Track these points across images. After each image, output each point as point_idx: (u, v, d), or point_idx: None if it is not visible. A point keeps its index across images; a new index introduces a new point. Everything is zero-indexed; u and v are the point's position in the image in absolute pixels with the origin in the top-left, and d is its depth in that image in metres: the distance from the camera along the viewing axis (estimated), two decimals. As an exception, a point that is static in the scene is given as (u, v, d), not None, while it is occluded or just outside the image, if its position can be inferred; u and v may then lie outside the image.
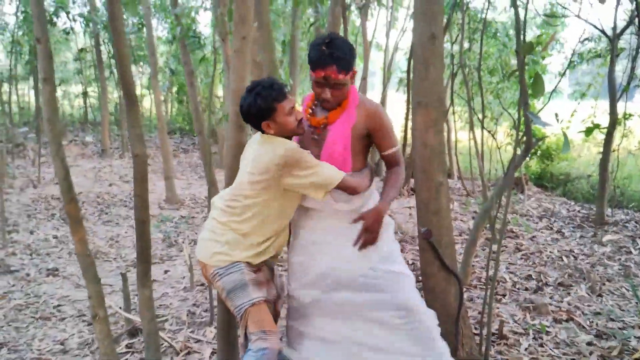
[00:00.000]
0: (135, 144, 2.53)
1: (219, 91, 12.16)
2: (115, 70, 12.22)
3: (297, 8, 6.08)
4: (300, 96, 11.19)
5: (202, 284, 4.37)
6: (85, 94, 14.87)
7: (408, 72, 7.27)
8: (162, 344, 3.22)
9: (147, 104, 16.29)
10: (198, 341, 3.40)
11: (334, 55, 2.17)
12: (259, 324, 2.25)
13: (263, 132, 2.33)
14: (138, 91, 15.61)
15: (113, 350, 2.57)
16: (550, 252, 5.44)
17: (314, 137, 2.41)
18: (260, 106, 2.24)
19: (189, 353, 3.23)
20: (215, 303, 3.58)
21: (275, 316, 2.58)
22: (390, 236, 2.53)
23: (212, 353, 3.21)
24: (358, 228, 2.40)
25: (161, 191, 8.06)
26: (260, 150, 2.28)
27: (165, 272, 4.74)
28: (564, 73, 3.59)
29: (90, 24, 9.46)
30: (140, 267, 2.69)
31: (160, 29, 14.10)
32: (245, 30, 2.54)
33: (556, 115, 2.72)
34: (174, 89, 15.08)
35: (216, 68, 4.18)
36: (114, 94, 15.08)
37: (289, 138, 2.36)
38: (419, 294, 2.49)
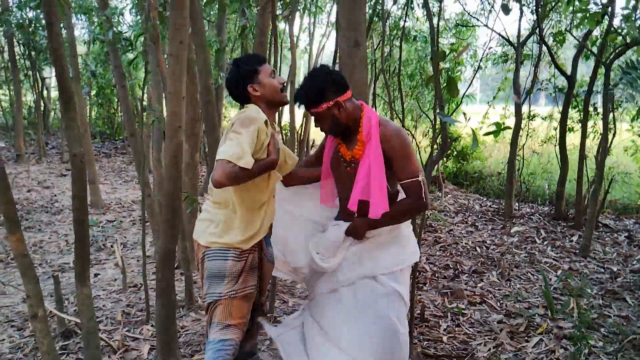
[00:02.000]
0: (73, 144, 2.58)
1: (139, 93, 11.94)
2: (30, 73, 11.68)
3: (223, 13, 6.18)
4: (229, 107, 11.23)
5: (135, 285, 4.39)
6: (-4, 98, 14.06)
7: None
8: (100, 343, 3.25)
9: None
10: (135, 339, 3.45)
11: (299, 94, 2.36)
12: (225, 317, 2.31)
13: (247, 101, 2.37)
14: (53, 94, 15.01)
15: (53, 348, 2.61)
16: (465, 243, 5.89)
17: (347, 168, 2.45)
18: (244, 69, 2.33)
19: (126, 350, 3.28)
20: (151, 302, 3.65)
21: (258, 303, 2.60)
22: (402, 259, 2.51)
23: (151, 349, 3.28)
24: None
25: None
26: (232, 118, 2.29)
27: (96, 275, 4.70)
28: (475, 74, 3.99)
29: (4, 25, 9.03)
30: (78, 266, 2.73)
31: (75, 29, 13.62)
32: (181, 35, 2.66)
33: (464, 113, 3.03)
34: (93, 92, 14.60)
35: (147, 71, 4.21)
36: (27, 97, 14.38)
37: (275, 106, 2.43)
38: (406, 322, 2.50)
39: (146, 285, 3.66)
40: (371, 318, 2.36)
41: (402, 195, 2.47)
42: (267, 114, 2.35)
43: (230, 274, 2.30)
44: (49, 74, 14.68)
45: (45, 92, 13.66)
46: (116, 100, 14.22)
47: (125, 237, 6.02)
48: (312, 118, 2.43)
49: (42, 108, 13.10)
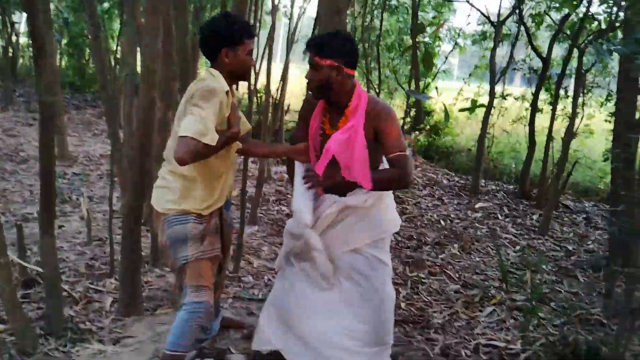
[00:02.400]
0: (44, 91, 2.54)
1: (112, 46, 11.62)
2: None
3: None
4: (204, 67, 11.03)
5: (100, 239, 4.38)
6: (-38, 43, 13.48)
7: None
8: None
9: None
10: (98, 291, 3.46)
11: (316, 39, 2.37)
12: (196, 279, 2.33)
13: (212, 59, 2.28)
14: (22, 40, 14.47)
15: (15, 295, 2.61)
16: (430, 216, 6.04)
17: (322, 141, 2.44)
18: (231, 31, 2.22)
19: (89, 302, 3.29)
20: (116, 256, 3.66)
21: (222, 267, 2.64)
22: (384, 228, 2.56)
23: (113, 302, 3.30)
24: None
25: (51, 147, 7.69)
26: (191, 86, 2.24)
27: (60, 227, 4.65)
28: (452, 50, 4.05)
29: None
30: (43, 216, 2.72)
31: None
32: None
33: (436, 88, 3.09)
34: (64, 41, 14.13)
35: (122, 23, 4.10)
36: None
37: (236, 79, 2.38)
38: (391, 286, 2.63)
39: (112, 239, 3.66)
40: (365, 293, 2.47)
41: None
42: (228, 83, 2.29)
43: (192, 236, 2.29)
44: (19, 19, 14.13)
45: (14, 38, 13.16)
46: (88, 50, 13.81)
47: (91, 190, 5.96)
48: (308, 67, 2.38)
49: (10, 54, 12.64)
